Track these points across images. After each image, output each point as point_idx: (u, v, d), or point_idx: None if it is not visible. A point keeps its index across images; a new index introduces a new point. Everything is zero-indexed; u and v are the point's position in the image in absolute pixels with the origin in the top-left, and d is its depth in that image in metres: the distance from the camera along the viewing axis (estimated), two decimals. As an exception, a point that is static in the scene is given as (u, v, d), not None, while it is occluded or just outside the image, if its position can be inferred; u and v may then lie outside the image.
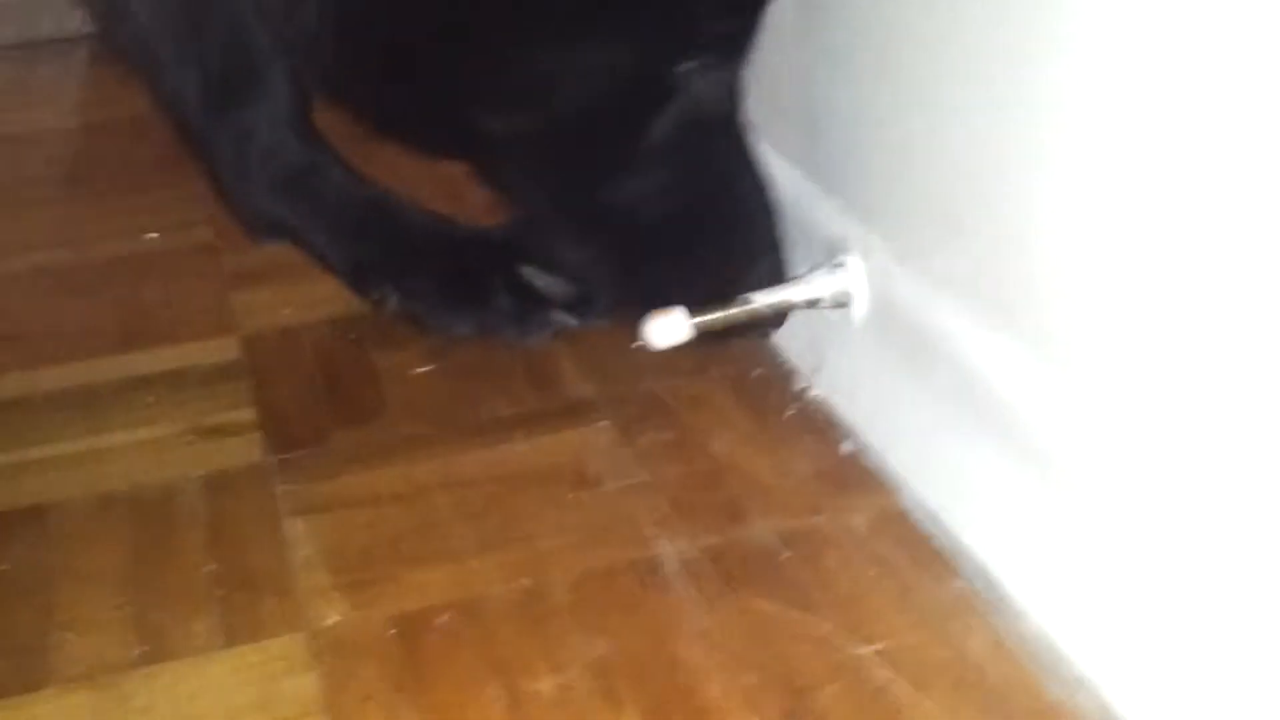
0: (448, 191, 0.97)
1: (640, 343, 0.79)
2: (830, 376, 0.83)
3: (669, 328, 0.78)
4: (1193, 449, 0.54)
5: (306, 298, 0.97)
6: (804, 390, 0.84)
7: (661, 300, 0.78)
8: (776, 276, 0.81)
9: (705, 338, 0.79)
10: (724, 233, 0.80)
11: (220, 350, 0.92)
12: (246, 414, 0.85)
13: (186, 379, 0.89)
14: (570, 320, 0.90)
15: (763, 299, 0.80)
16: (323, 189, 0.97)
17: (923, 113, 0.72)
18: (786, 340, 0.87)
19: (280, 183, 0.97)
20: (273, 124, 0.95)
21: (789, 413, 0.83)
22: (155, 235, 1.07)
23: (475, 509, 0.75)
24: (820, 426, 0.81)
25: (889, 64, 0.75)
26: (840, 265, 0.80)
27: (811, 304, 0.80)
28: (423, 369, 0.89)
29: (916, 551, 0.70)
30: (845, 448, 0.79)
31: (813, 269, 0.81)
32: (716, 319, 0.79)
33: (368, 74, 0.79)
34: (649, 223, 0.80)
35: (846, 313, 0.80)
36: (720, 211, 0.80)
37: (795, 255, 0.83)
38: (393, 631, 0.66)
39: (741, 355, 0.88)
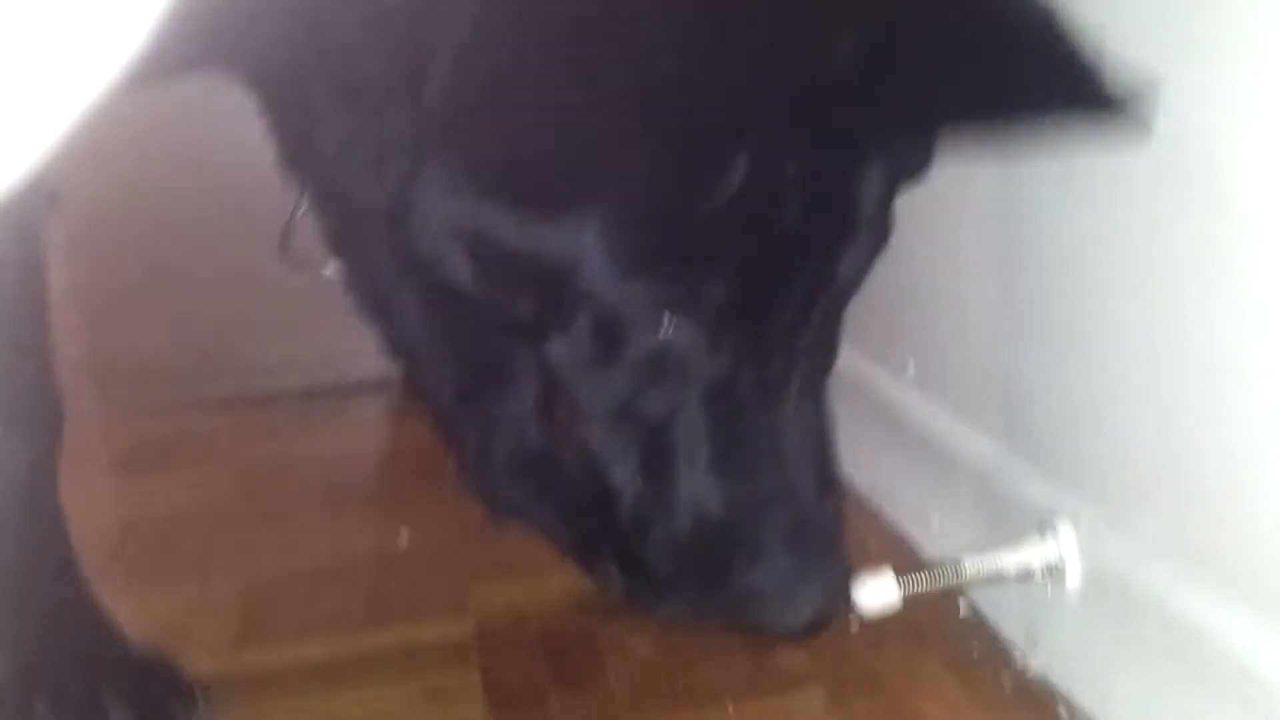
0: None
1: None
2: (1047, 648, 0.82)
3: (878, 592, 0.80)
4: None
5: (539, 584, 1.02)
6: (1020, 663, 0.83)
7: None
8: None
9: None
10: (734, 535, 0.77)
11: (454, 628, 0.96)
12: (472, 679, 0.89)
13: (420, 651, 0.94)
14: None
15: (972, 566, 0.81)
16: (556, 475, 1.02)
17: (1124, 378, 0.75)
18: (1001, 614, 0.87)
19: (518, 469, 1.03)
20: (515, 416, 1.03)
21: (1004, 685, 0.82)
22: (405, 536, 1.15)
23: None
24: (1037, 698, 0.80)
25: (1085, 332, 0.78)
26: (1050, 532, 0.80)
27: (1023, 574, 0.80)
28: (642, 637, 0.91)
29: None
30: (1061, 713, 0.77)
31: (1022, 537, 0.82)
32: (925, 587, 0.80)
33: None
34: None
35: (1060, 583, 0.80)
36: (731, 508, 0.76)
37: (1003, 527, 0.84)
38: None
39: (957, 630, 0.87)
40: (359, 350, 1.59)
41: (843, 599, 0.78)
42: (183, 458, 1.44)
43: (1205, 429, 0.67)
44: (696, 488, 0.76)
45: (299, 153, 1.00)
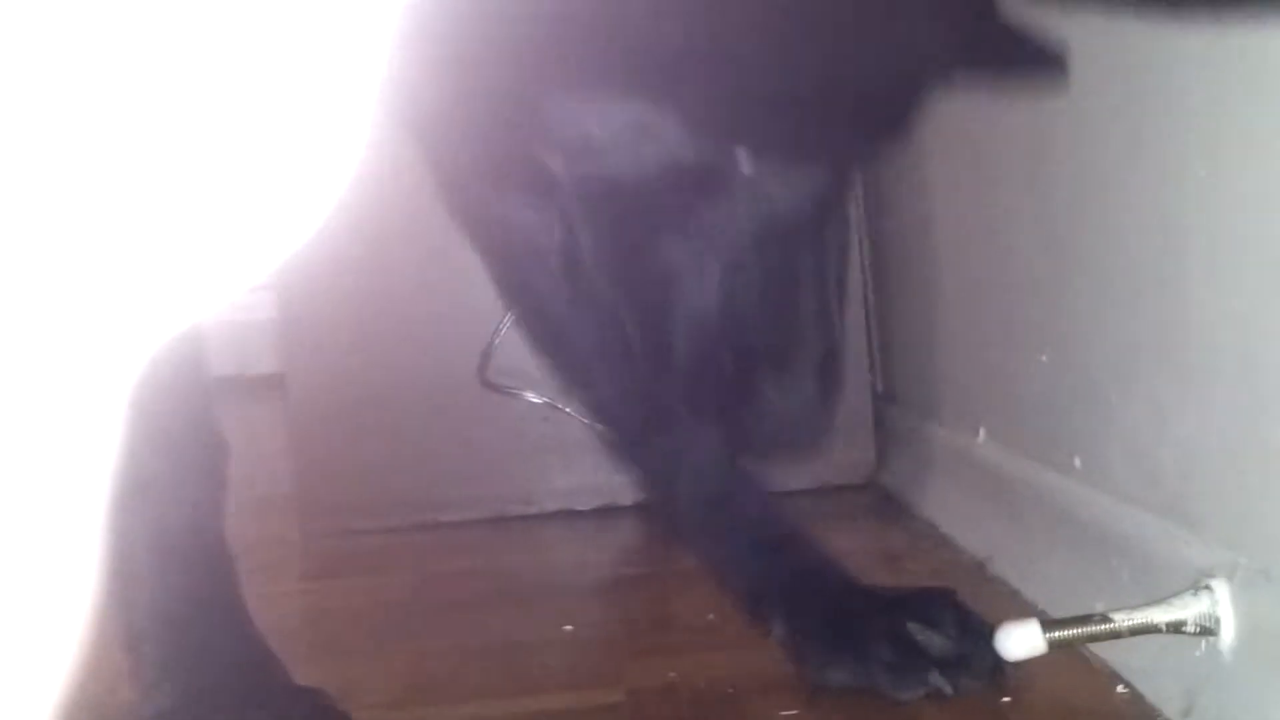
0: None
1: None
2: (1201, 716, 0.79)
3: (1023, 639, 0.79)
4: None
5: (694, 661, 1.02)
6: (1177, 733, 0.80)
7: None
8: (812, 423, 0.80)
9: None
10: (768, 355, 0.79)
11: (607, 696, 0.98)
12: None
13: (571, 714, 0.95)
14: (945, 685, 0.89)
15: (1123, 619, 0.79)
16: (736, 514, 1.03)
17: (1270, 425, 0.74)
18: (1157, 684, 0.84)
19: (700, 502, 1.04)
20: (702, 449, 1.02)
21: (1158, 751, 0.79)
22: (570, 628, 1.17)
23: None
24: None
25: (1241, 383, 0.78)
26: (1205, 590, 0.78)
27: (1174, 626, 0.78)
28: (788, 712, 0.91)
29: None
30: (1219, 780, 0.74)
31: (1175, 595, 0.80)
32: (1072, 635, 0.79)
33: None
34: (708, 334, 0.79)
35: (1214, 640, 0.77)
36: (772, 331, 0.79)
37: (1157, 585, 0.82)
38: None
39: (1112, 707, 0.84)
40: (551, 485, 1.66)
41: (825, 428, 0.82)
42: (368, 567, 1.50)
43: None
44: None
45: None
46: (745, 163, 0.75)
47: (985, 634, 0.87)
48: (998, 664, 0.86)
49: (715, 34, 0.70)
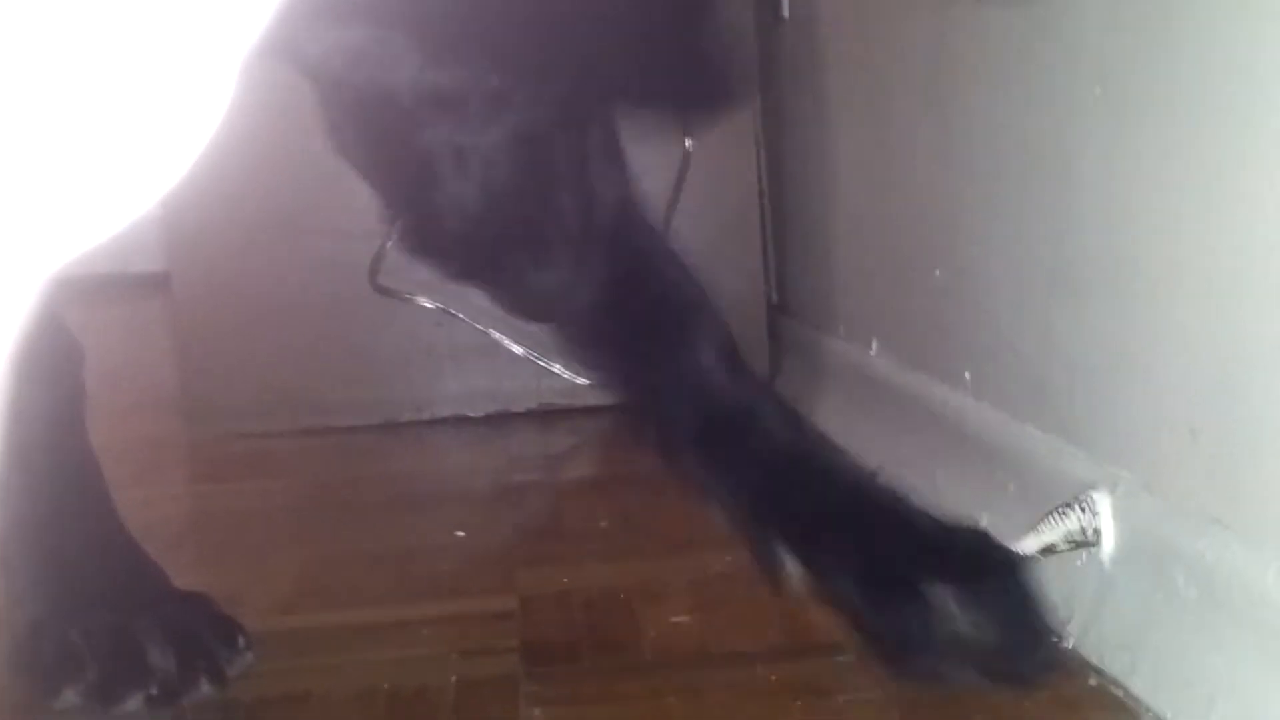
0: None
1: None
2: (1081, 624, 0.81)
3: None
4: None
5: (586, 570, 1.03)
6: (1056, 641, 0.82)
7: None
8: None
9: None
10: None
11: (499, 602, 0.98)
12: (510, 642, 0.90)
13: (463, 619, 0.95)
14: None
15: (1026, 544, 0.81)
16: (748, 436, 0.86)
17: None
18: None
19: (702, 426, 0.87)
20: (699, 372, 0.87)
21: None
22: (462, 534, 1.17)
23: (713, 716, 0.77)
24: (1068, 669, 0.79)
25: (1121, 305, 0.79)
26: (1088, 503, 0.80)
27: (1069, 540, 0.80)
28: (680, 618, 0.92)
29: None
30: (1091, 682, 0.77)
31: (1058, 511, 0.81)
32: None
33: None
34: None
35: (1095, 554, 0.80)
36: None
37: (1042, 498, 0.84)
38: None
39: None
40: (443, 391, 1.64)
41: None
42: (255, 471, 1.48)
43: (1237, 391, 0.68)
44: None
45: None
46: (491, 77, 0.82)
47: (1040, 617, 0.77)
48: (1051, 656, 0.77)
49: None
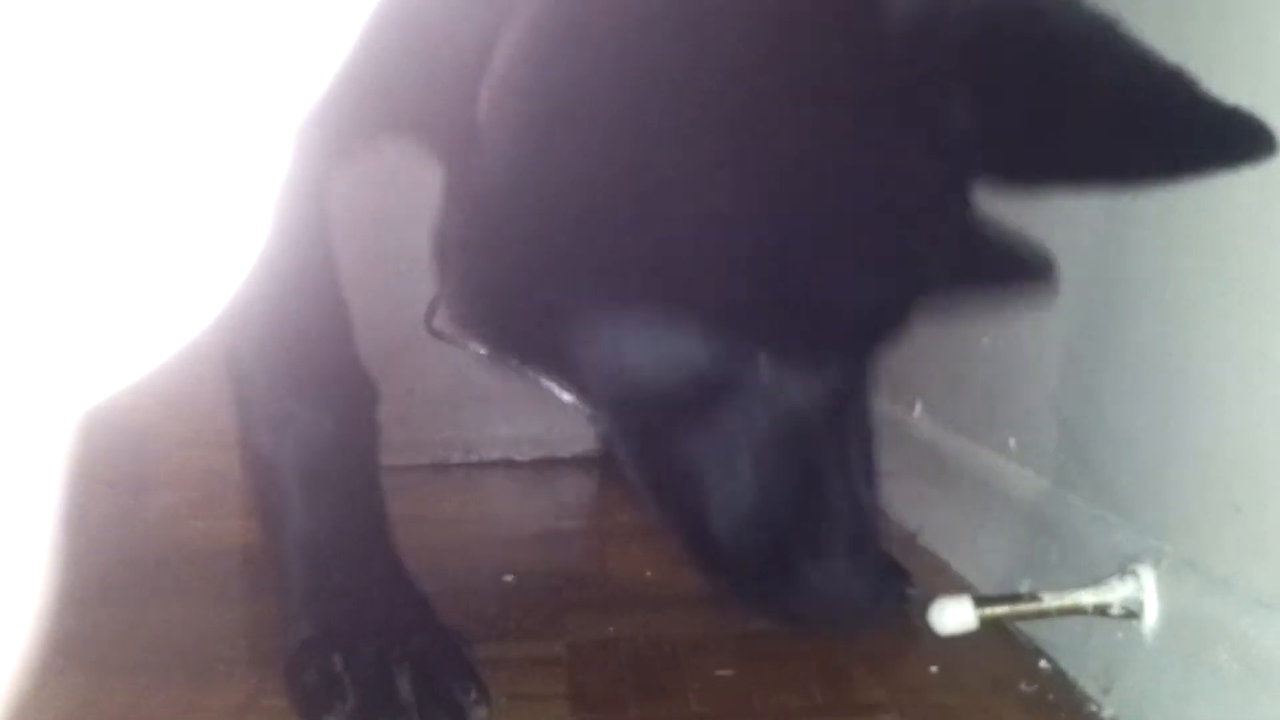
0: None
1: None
2: (1121, 695, 0.82)
3: (955, 614, 0.82)
4: None
5: (633, 617, 1.05)
6: (1097, 710, 0.84)
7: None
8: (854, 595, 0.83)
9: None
10: (803, 540, 0.83)
11: (547, 647, 1.00)
12: (558, 689, 0.92)
13: (511, 663, 0.97)
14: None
15: (1051, 599, 0.82)
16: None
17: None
18: (1075, 656, 0.87)
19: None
20: None
21: (1077, 728, 0.82)
22: (510, 579, 1.19)
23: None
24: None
25: (1166, 370, 0.81)
26: (1131, 574, 0.81)
27: (1100, 608, 0.81)
28: (724, 672, 0.94)
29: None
30: (1132, 753, 0.78)
31: (1102, 578, 0.83)
32: (1002, 613, 0.82)
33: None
34: (736, 522, 0.83)
35: (1137, 626, 0.81)
36: (802, 516, 0.83)
37: (1084, 567, 0.86)
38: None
39: (1035, 678, 0.88)
40: (492, 434, 1.67)
41: (894, 597, 0.86)
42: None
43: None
44: (767, 500, 0.82)
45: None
46: (764, 368, 0.79)
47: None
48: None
49: (737, 249, 0.75)
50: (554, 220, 0.77)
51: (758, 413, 0.81)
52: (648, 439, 0.84)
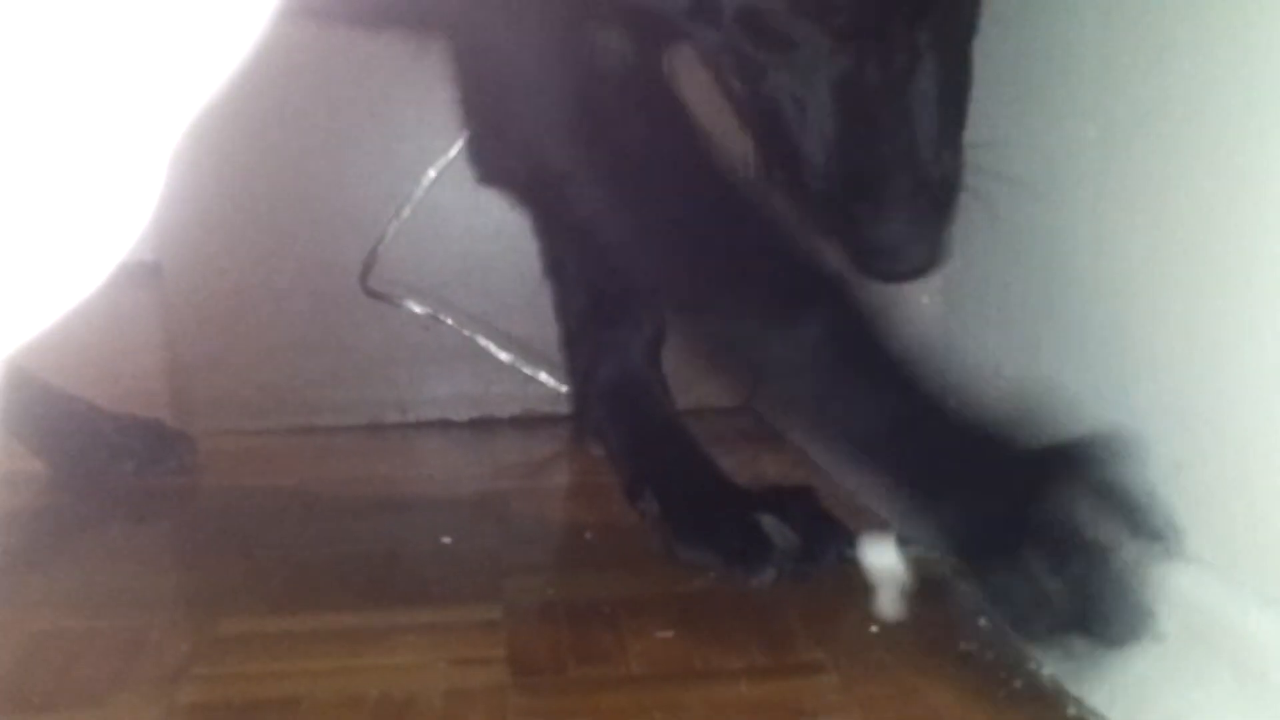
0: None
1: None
2: (1122, 695, 0.82)
3: (881, 551, 0.84)
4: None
5: (572, 580, 1.05)
6: (1035, 669, 0.84)
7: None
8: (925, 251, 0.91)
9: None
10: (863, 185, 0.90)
11: (485, 611, 0.99)
12: (497, 652, 0.91)
13: (449, 627, 0.96)
14: (783, 572, 1.01)
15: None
16: (635, 408, 1.23)
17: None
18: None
19: (610, 393, 1.24)
20: (622, 343, 1.24)
21: (1016, 685, 0.83)
22: (447, 540, 1.17)
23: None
24: (1047, 698, 0.81)
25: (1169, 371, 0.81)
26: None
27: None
28: (664, 633, 0.93)
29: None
30: (1070, 712, 0.78)
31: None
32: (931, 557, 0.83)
33: None
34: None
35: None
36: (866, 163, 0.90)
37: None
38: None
39: (975, 637, 0.89)
40: (428, 394, 1.65)
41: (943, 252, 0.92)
42: (242, 468, 1.48)
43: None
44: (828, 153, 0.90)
45: None
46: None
47: (836, 531, 1.02)
48: (841, 556, 0.99)
49: None
50: None
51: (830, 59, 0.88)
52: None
